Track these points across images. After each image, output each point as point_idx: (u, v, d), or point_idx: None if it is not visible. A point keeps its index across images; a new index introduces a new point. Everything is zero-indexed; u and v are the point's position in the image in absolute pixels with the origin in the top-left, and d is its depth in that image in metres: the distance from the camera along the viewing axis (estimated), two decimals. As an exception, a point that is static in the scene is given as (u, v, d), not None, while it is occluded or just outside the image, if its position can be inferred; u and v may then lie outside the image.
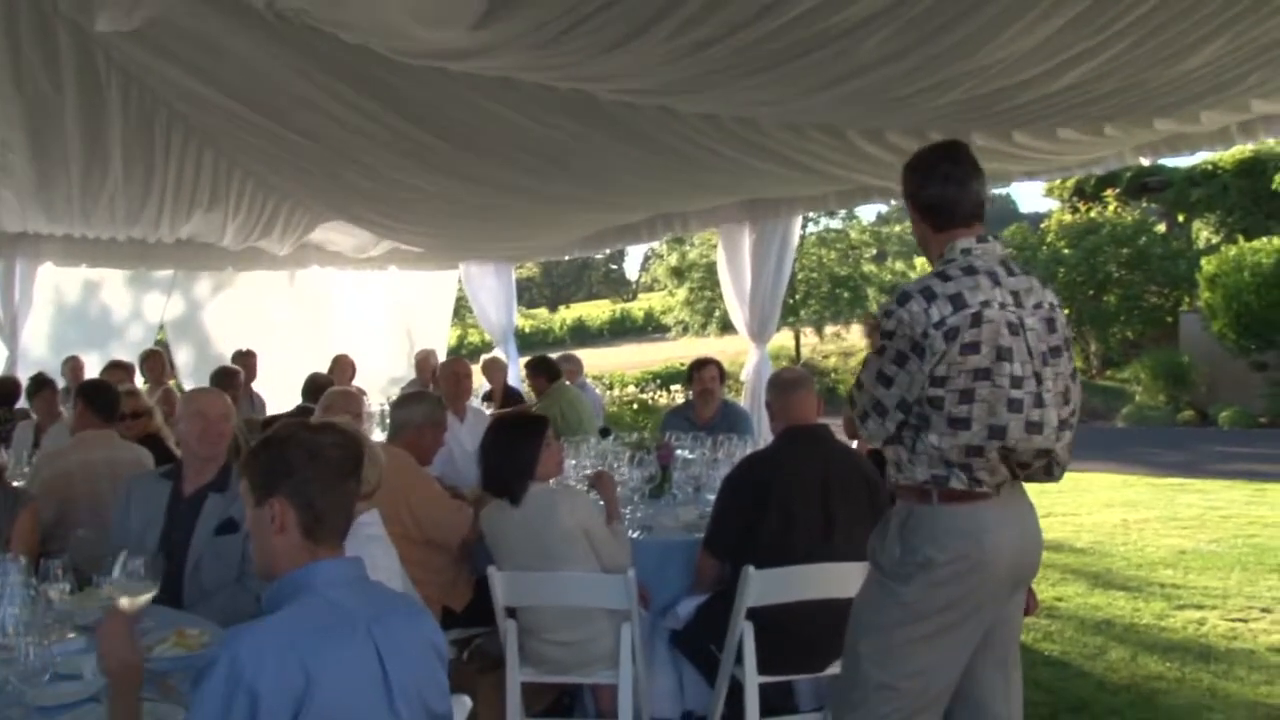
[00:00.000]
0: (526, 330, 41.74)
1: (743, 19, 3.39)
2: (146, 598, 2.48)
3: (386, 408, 6.71)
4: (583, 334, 43.57)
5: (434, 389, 7.08)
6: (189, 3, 4.17)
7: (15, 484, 4.54)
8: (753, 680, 3.84)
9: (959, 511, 2.78)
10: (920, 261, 26.62)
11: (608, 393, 20.87)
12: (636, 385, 23.29)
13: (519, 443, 4.05)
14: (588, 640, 3.98)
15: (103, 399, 4.99)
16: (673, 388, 21.53)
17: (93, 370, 8.39)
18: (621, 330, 44.42)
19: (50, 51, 5.60)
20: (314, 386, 7.58)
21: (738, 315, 8.68)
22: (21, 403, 7.88)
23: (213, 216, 8.32)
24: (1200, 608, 6.41)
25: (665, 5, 3.34)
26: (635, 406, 20.43)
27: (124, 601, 2.40)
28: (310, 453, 2.13)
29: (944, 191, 2.88)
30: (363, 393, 6.98)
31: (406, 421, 4.65)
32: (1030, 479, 2.93)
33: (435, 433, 4.70)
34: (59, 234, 8.81)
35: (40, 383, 7.49)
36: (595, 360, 30.72)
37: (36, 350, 9.67)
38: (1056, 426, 2.84)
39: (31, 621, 2.72)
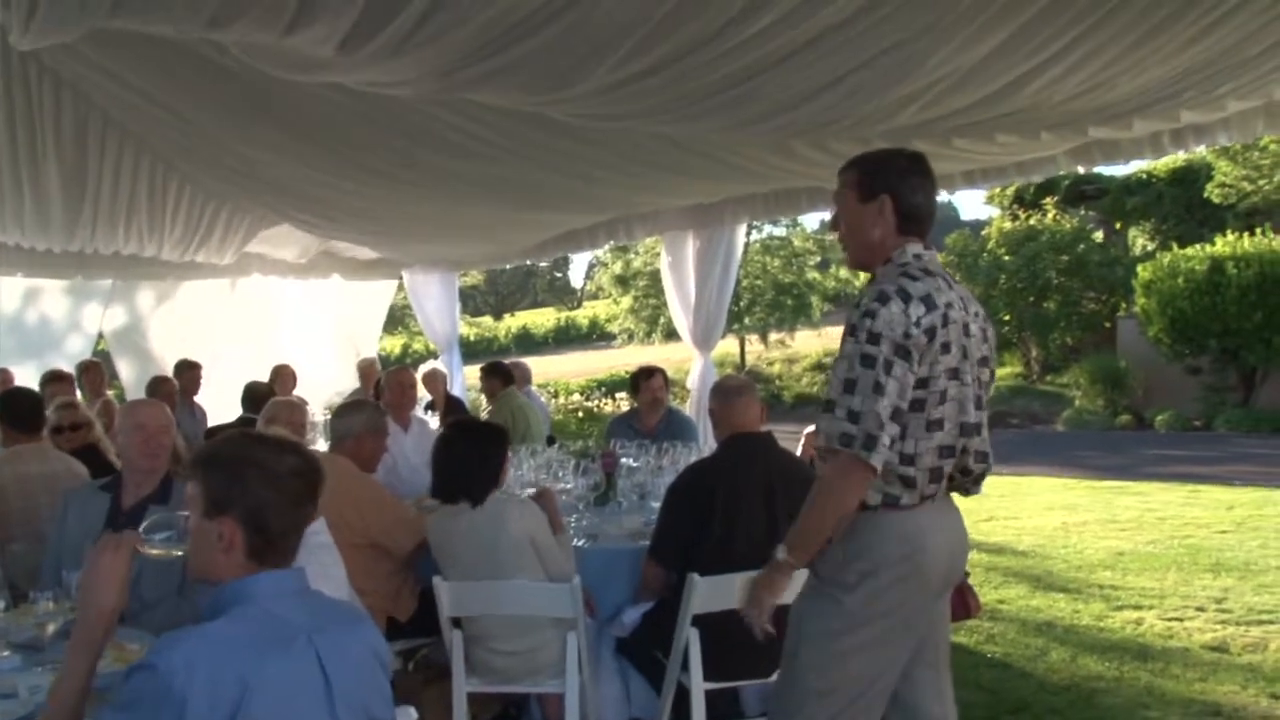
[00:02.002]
0: (471, 338, 41.53)
1: (674, 54, 3.43)
2: (166, 552, 2.36)
3: (328, 417, 6.66)
4: (528, 342, 43.40)
5: (375, 398, 7.06)
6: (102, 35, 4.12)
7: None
8: (698, 686, 3.85)
9: (902, 518, 2.81)
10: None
11: (553, 400, 20.85)
12: (581, 393, 23.29)
13: (487, 449, 4.07)
14: (534, 649, 3.98)
15: (21, 410, 4.88)
16: (618, 395, 21.54)
17: (31, 381, 8.21)
18: (566, 338, 44.33)
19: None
20: (253, 396, 7.51)
21: (682, 323, 8.71)
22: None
23: (150, 229, 8.19)
24: (1138, 608, 6.54)
25: (586, 51, 3.38)
26: (580, 414, 20.43)
27: (147, 549, 2.29)
28: (271, 479, 2.09)
29: (926, 200, 2.92)
30: (305, 402, 6.92)
31: (347, 431, 4.64)
32: (961, 488, 3.00)
33: (376, 440, 4.70)
34: (-8, 243, 8.63)
35: (-28, 396, 7.33)
36: (541, 368, 30.55)
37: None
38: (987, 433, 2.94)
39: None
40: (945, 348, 2.75)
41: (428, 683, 4.38)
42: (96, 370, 8.89)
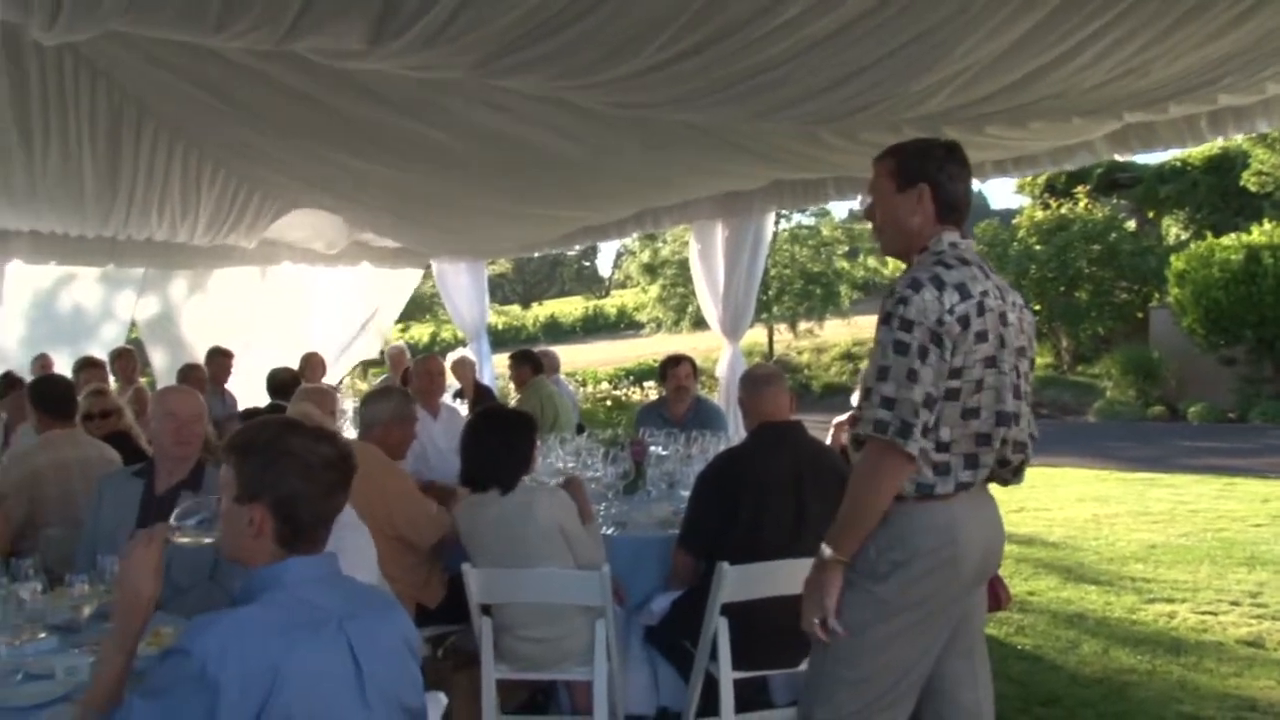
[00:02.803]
0: (500, 327, 41.67)
1: (705, 42, 3.41)
2: (193, 540, 2.40)
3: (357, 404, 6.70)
4: (556, 331, 43.50)
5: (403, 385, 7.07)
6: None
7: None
8: (727, 675, 3.85)
9: (934, 508, 2.79)
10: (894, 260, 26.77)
11: (581, 389, 20.86)
12: (610, 382, 23.31)
13: (514, 437, 4.07)
14: (562, 637, 3.98)
15: (53, 398, 4.93)
16: (646, 384, 21.54)
17: (66, 368, 8.30)
18: (594, 327, 44.39)
19: (13, 49, 5.56)
20: (278, 382, 7.56)
21: (711, 312, 8.68)
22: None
23: (182, 213, 8.26)
24: (1170, 601, 6.48)
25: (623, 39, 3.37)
26: (609, 403, 20.43)
27: (179, 538, 2.33)
28: (304, 469, 2.11)
29: (963, 190, 2.91)
30: (334, 390, 6.96)
31: (374, 419, 4.66)
32: (999, 479, 2.97)
33: (404, 428, 4.71)
34: (26, 230, 8.72)
35: (9, 382, 7.43)
36: (569, 357, 30.53)
37: (7, 348, 9.58)
38: (1028, 425, 2.91)
39: (3, 621, 2.71)
40: (981, 336, 2.73)
41: (456, 669, 4.41)
42: (129, 357, 8.97)
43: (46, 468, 4.65)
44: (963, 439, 2.75)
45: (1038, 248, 21.69)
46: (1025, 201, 25.51)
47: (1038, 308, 20.96)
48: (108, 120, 6.59)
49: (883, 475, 2.71)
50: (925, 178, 2.85)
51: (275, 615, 2.00)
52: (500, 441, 4.03)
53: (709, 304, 8.68)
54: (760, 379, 4.31)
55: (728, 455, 4.33)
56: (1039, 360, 21.58)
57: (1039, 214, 22.95)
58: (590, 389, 22.00)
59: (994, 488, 3.01)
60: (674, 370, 6.75)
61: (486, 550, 3.99)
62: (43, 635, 3.01)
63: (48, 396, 4.90)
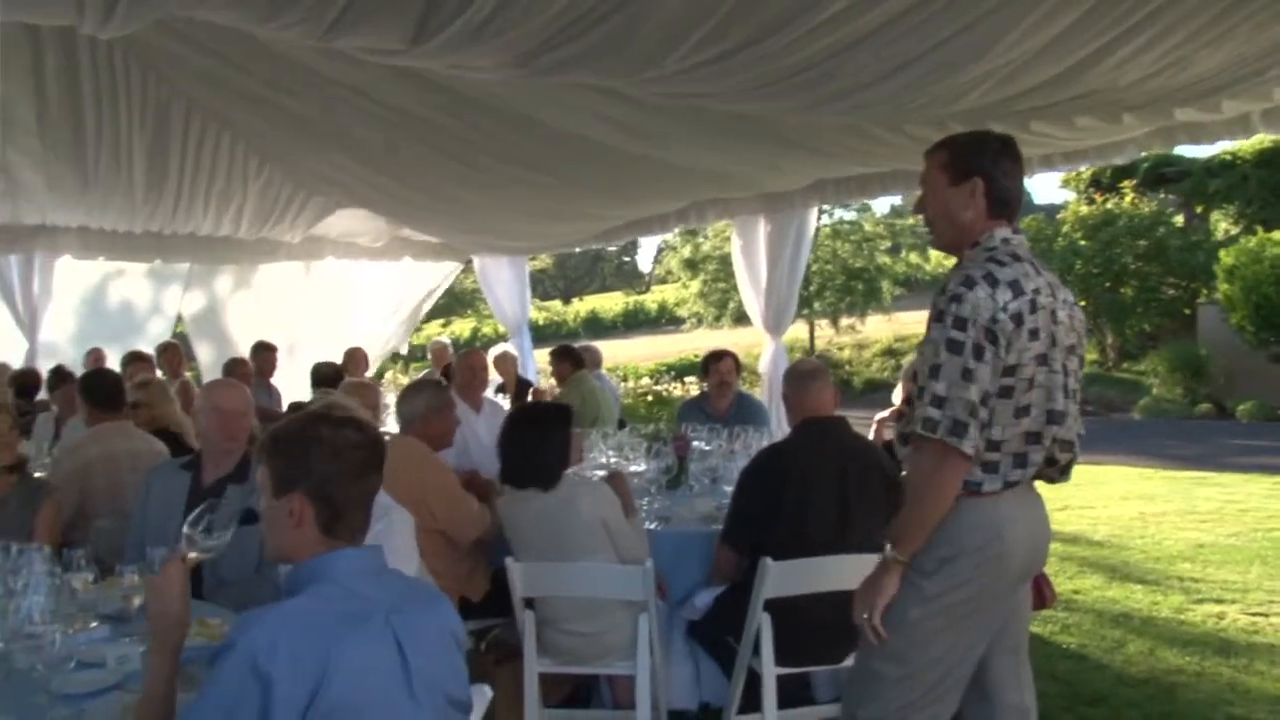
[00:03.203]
0: (541, 322, 41.78)
1: (752, 36, 3.39)
2: (209, 556, 2.46)
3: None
4: (596, 326, 43.53)
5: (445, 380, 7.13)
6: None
7: (38, 475, 4.57)
8: (770, 671, 3.83)
9: (982, 505, 2.77)
10: (936, 254, 26.55)
11: (622, 384, 20.87)
12: (651, 377, 23.30)
13: (551, 432, 4.07)
14: (605, 631, 3.98)
15: (102, 390, 5.00)
16: (687, 379, 21.51)
17: (114, 363, 8.43)
18: (635, 322, 44.37)
19: (69, 44, 5.65)
20: (321, 376, 7.63)
21: (753, 307, 8.65)
22: (42, 394, 7.95)
23: (228, 207, 8.37)
24: (1220, 601, 6.39)
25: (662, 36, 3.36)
26: (650, 399, 20.43)
27: (192, 556, 2.39)
28: (333, 451, 2.13)
29: (1016, 185, 2.88)
30: (377, 384, 7.02)
31: (412, 414, 4.71)
32: (1046, 477, 2.94)
33: (443, 417, 4.76)
34: (75, 226, 8.86)
35: (60, 375, 7.54)
36: (610, 352, 30.49)
37: (58, 342, 9.74)
38: (1077, 424, 2.89)
39: (57, 610, 2.74)
40: (1033, 334, 2.70)
41: (499, 663, 4.42)
42: (175, 351, 9.09)
43: (96, 460, 4.72)
44: (1013, 438, 2.73)
45: (1083, 243, 21.43)
46: (1070, 196, 25.20)
47: (1083, 304, 20.56)
48: (156, 114, 6.68)
49: (945, 475, 2.69)
50: (979, 172, 2.83)
51: (323, 607, 2.01)
52: (535, 438, 4.04)
53: (751, 299, 8.65)
54: (804, 374, 4.29)
55: (772, 450, 4.31)
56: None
57: (1084, 209, 22.68)
58: (631, 384, 22.02)
59: (1039, 485, 2.99)
60: (716, 365, 6.73)
61: (529, 545, 4.00)
62: (94, 624, 3.05)
63: (96, 389, 4.97)
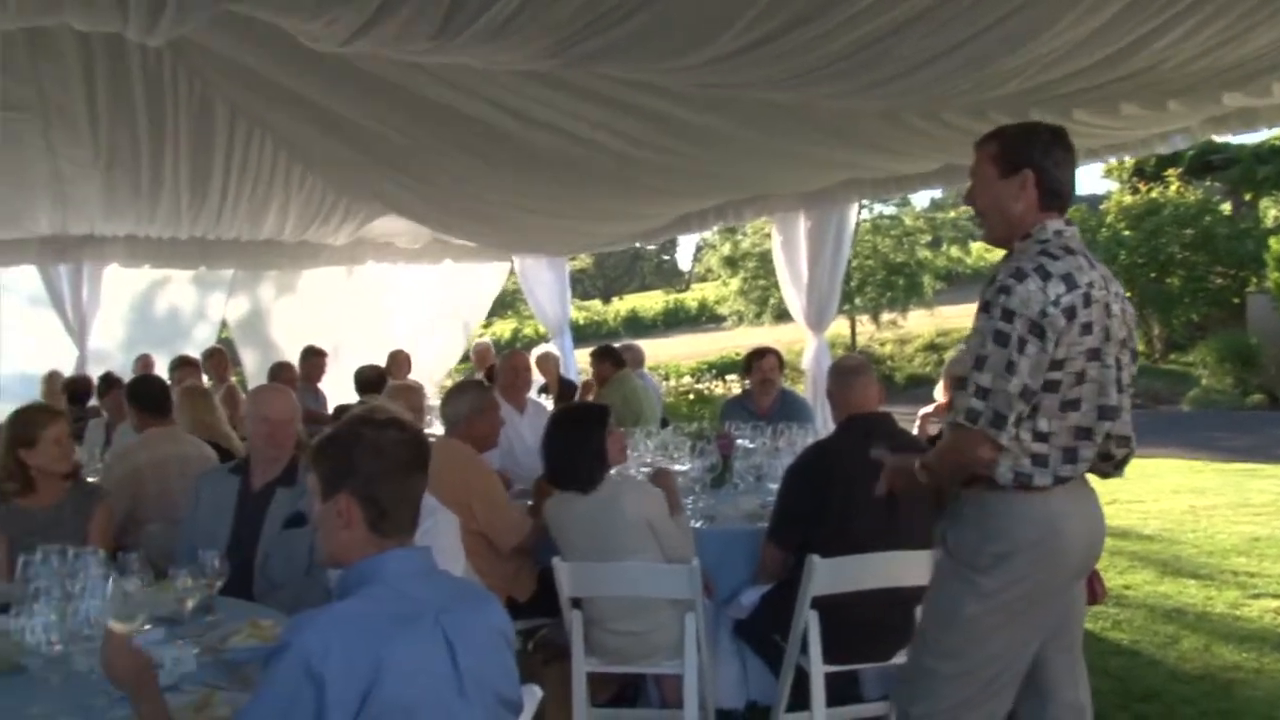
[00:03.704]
0: (581, 322, 41.82)
1: (793, 22, 3.37)
2: (137, 623, 2.54)
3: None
4: (636, 325, 43.49)
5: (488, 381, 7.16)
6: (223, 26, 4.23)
7: (90, 480, 4.64)
8: (818, 669, 3.82)
9: (1035, 500, 2.75)
10: (977, 247, 26.34)
11: (664, 383, 20.86)
12: (692, 375, 23.26)
13: (587, 433, 4.07)
14: (651, 630, 3.98)
15: (149, 396, 5.07)
16: (729, 378, 21.45)
17: (162, 368, 8.54)
18: (675, 321, 44.30)
19: (117, 50, 5.72)
20: (365, 379, 7.70)
21: (795, 304, 8.61)
22: (93, 401, 8.08)
23: (274, 207, 8.47)
24: (1277, 596, 6.27)
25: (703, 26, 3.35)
26: (691, 397, 20.40)
27: (116, 625, 2.46)
28: (376, 450, 2.16)
29: (1068, 176, 2.86)
30: (421, 386, 7.06)
31: (456, 416, 4.75)
32: (1101, 472, 2.91)
33: (487, 419, 4.79)
34: (122, 235, 9.00)
35: (109, 381, 7.67)
36: (650, 351, 30.33)
37: (107, 349, 9.90)
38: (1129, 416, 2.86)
39: (113, 613, 2.78)
40: (1086, 328, 2.68)
41: (546, 663, 4.43)
42: (221, 356, 9.20)
43: (145, 465, 4.80)
44: (1061, 431, 2.71)
45: (1126, 234, 21.15)
46: (1112, 186, 24.89)
47: (1128, 295, 20.37)
48: (200, 118, 6.76)
49: (967, 456, 2.76)
50: (1030, 163, 2.80)
51: (374, 609, 2.03)
52: (575, 439, 4.06)
53: (793, 296, 8.62)
54: (849, 370, 4.27)
55: (817, 447, 4.30)
56: (1130, 349, 21.03)
57: (1127, 199, 22.38)
58: (672, 383, 21.99)
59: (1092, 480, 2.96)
60: (759, 363, 6.71)
61: (574, 545, 4.01)
62: (148, 627, 3.09)
63: (144, 395, 5.05)
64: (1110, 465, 2.89)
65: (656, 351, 26.60)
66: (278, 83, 5.91)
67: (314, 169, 7.99)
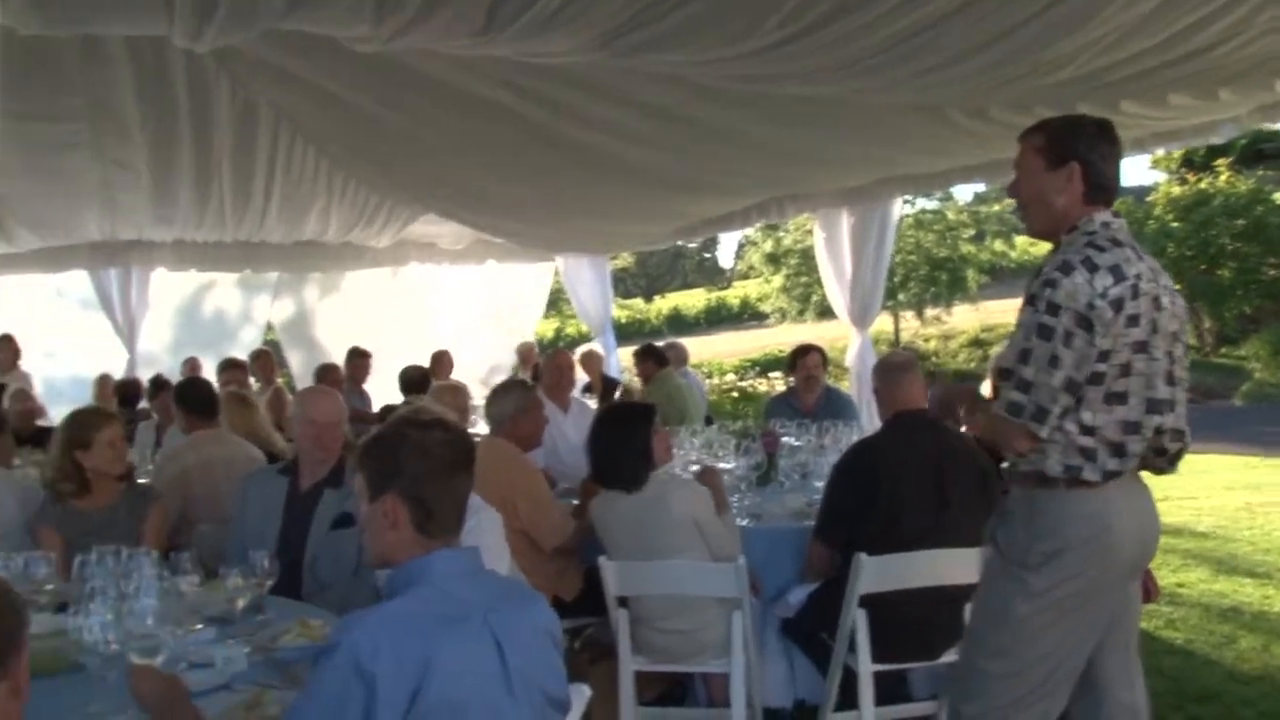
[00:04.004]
0: (624, 320, 41.81)
1: (834, 12, 3.35)
2: (159, 659, 2.57)
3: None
4: (679, 323, 43.41)
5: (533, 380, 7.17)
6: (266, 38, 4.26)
7: (142, 482, 4.69)
8: (866, 668, 3.79)
9: (1086, 497, 2.71)
10: (1022, 241, 26.03)
11: (707, 381, 20.81)
12: (735, 373, 23.22)
13: (632, 431, 4.06)
14: (698, 629, 3.97)
15: (196, 397, 5.12)
16: (772, 375, 21.38)
17: (209, 370, 8.65)
18: (718, 318, 44.17)
19: (162, 60, 5.79)
20: (409, 380, 7.75)
21: (838, 300, 8.56)
22: (143, 403, 8.20)
23: (317, 210, 8.55)
24: (1336, 593, 6.15)
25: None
26: (736, 395, 20.35)
27: (138, 661, 2.49)
28: (421, 450, 2.17)
29: (1114, 169, 2.82)
30: (465, 386, 7.09)
31: (501, 415, 4.77)
32: (1154, 467, 2.86)
33: (531, 418, 4.80)
34: (170, 239, 9.13)
35: (159, 384, 7.77)
36: (693, 349, 30.35)
37: (154, 352, 10.04)
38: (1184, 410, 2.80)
39: (165, 613, 2.81)
40: (1133, 320, 2.63)
41: (593, 661, 4.44)
42: (267, 358, 9.30)
43: (194, 467, 4.85)
44: (1108, 425, 2.67)
45: (1175, 225, 20.85)
46: (1160, 177, 24.54)
47: (1177, 288, 20.09)
48: (244, 122, 6.83)
49: (1014, 446, 2.77)
50: (1076, 156, 2.77)
51: (422, 609, 2.04)
52: (619, 438, 4.05)
53: (836, 293, 8.57)
54: (895, 367, 4.24)
55: (864, 445, 4.27)
56: (1181, 342, 20.70)
57: (1176, 190, 22.06)
58: (716, 380, 21.95)
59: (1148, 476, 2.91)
60: (803, 360, 6.68)
61: (619, 544, 4.01)
62: (199, 626, 3.13)
63: (191, 398, 5.11)
64: (1164, 460, 2.84)
65: (699, 349, 26.55)
66: (321, 86, 5.96)
67: (357, 172, 8.05)
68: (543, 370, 6.87)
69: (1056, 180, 2.78)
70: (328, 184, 8.16)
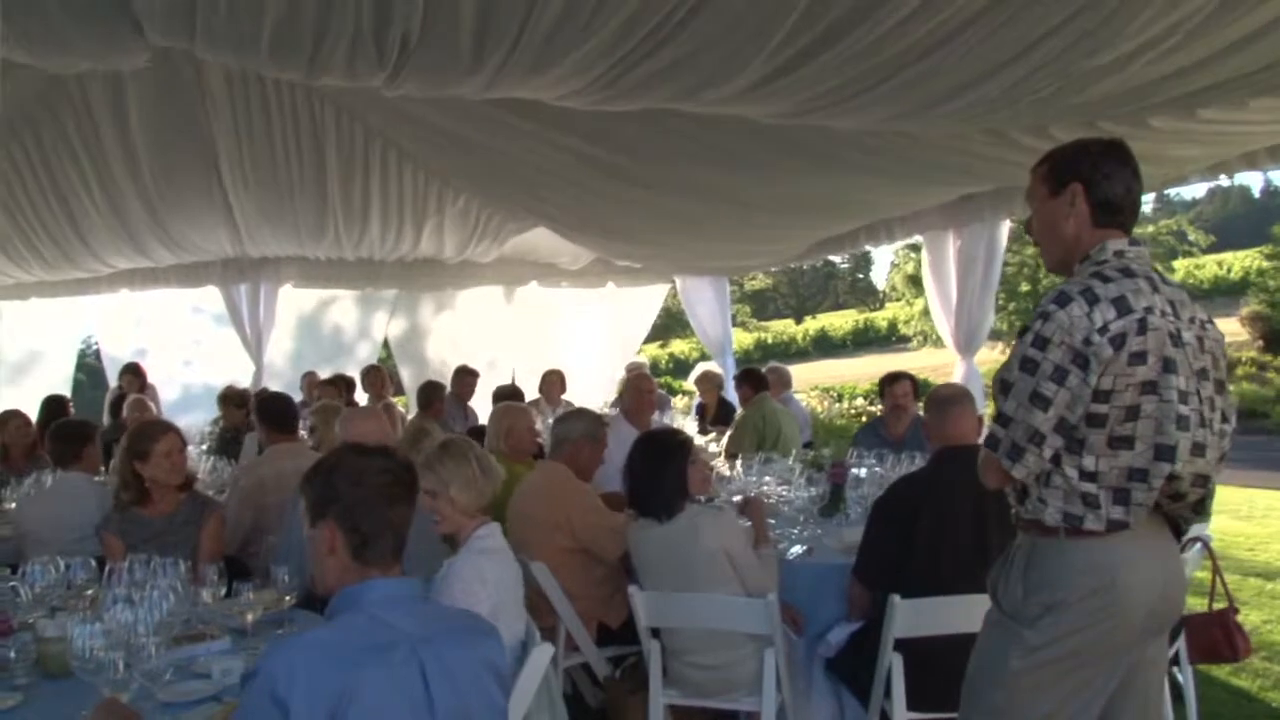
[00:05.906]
0: (769, 341, 41.60)
1: (834, 34, 3.25)
2: (129, 694, 2.63)
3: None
4: (825, 344, 42.99)
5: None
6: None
7: (203, 492, 4.87)
8: (901, 715, 3.63)
9: (1091, 546, 2.51)
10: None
11: (835, 405, 20.47)
12: (865, 397, 22.76)
13: (664, 462, 4.00)
14: (730, 664, 3.89)
15: (276, 412, 5.29)
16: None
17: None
18: (865, 340, 43.54)
19: (266, 96, 6.08)
20: (501, 397, 7.86)
21: (943, 326, 8.33)
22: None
23: (427, 227, 8.79)
24: None
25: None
26: (864, 419, 19.96)
27: (110, 694, 2.55)
28: (356, 479, 2.20)
29: (1124, 189, 2.62)
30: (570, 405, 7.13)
31: (565, 436, 4.75)
32: (1177, 514, 2.64)
33: (594, 448, 4.78)
34: (295, 257, 9.51)
35: (243, 398, 8.06)
36: (836, 370, 30.04)
37: (277, 365, 10.46)
38: (1218, 455, 2.56)
39: (165, 624, 2.90)
40: (1138, 358, 2.42)
41: (633, 691, 4.37)
42: (378, 374, 9.54)
43: (268, 478, 5.02)
44: (1111, 471, 2.47)
45: None
46: None
47: None
48: (350, 149, 7.10)
49: (990, 480, 2.68)
50: (1077, 176, 2.60)
51: (347, 637, 2.05)
52: (652, 468, 4.00)
53: (941, 318, 8.35)
54: (945, 399, 4.05)
55: (905, 481, 4.10)
56: None
57: None
58: (845, 404, 21.57)
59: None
60: (891, 389, 6.53)
61: (651, 573, 3.97)
62: (213, 636, 3.22)
63: (271, 412, 5.28)
64: (1183, 506, 2.59)
65: (844, 371, 26.20)
66: (441, 126, 6.16)
67: (477, 196, 8.29)
68: (623, 392, 6.86)
69: (1061, 205, 2.62)
70: (438, 202, 8.40)
